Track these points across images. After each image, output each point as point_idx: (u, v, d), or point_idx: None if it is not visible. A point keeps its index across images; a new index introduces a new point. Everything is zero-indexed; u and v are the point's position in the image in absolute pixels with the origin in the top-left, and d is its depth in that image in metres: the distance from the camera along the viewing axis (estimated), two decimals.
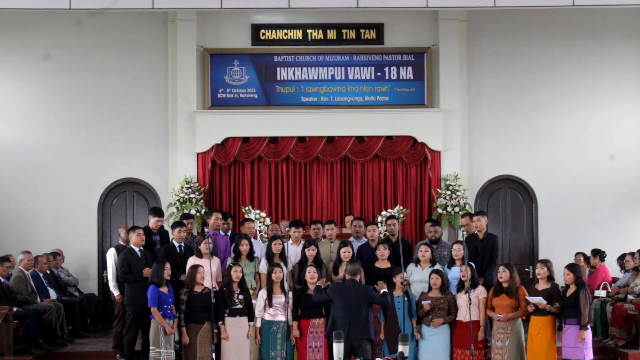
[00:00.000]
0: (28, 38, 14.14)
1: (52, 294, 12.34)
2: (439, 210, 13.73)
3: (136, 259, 10.47)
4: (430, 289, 10.00)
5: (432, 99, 14.17)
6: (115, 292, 10.87)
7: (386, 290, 9.68)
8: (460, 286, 9.96)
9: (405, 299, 9.81)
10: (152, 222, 11.16)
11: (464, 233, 10.50)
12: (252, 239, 10.87)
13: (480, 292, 9.90)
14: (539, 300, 9.45)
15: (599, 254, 12.79)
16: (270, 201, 14.16)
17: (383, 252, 10.44)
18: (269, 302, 9.86)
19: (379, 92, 14.24)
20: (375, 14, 14.06)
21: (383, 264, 10.43)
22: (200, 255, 10.30)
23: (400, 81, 14.23)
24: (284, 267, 10.11)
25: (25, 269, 11.93)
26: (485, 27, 14.39)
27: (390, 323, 9.86)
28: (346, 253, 10.26)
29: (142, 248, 10.58)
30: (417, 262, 10.44)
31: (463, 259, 10.06)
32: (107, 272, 11.25)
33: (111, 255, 10.92)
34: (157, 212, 11.38)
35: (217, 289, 9.96)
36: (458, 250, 10.25)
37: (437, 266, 10.35)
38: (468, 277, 9.75)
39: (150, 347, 9.68)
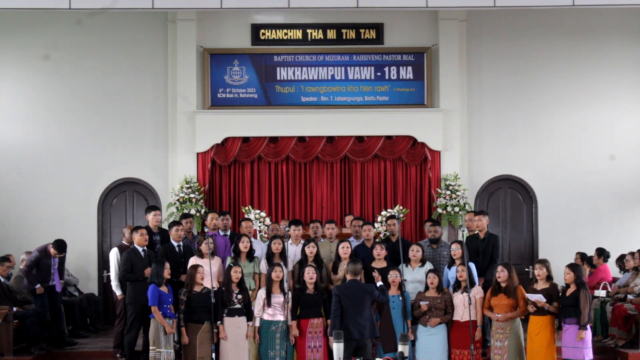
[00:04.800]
0: (28, 38, 14.14)
1: None
2: (439, 210, 13.73)
3: (139, 259, 10.47)
4: (427, 288, 10.00)
5: (432, 99, 14.17)
6: (117, 292, 10.87)
7: (382, 283, 9.67)
8: (457, 286, 9.96)
9: (400, 298, 9.81)
10: (151, 219, 11.16)
11: (464, 233, 10.50)
12: (252, 239, 10.87)
13: (476, 291, 9.90)
14: (539, 297, 9.44)
15: (603, 253, 12.79)
16: (270, 201, 14.16)
17: (380, 252, 10.43)
18: (268, 301, 9.86)
19: (379, 92, 14.24)
20: (375, 14, 14.07)
21: (380, 263, 10.43)
22: (201, 255, 10.30)
23: (400, 81, 14.23)
24: (283, 267, 10.12)
25: None
26: (485, 27, 14.40)
27: (384, 322, 9.87)
28: (344, 249, 10.27)
29: (145, 248, 10.58)
30: (408, 262, 10.45)
31: (461, 259, 10.07)
32: (109, 272, 11.26)
33: (114, 254, 10.91)
34: (152, 207, 11.39)
35: (217, 289, 9.96)
36: (456, 250, 10.26)
37: (429, 265, 10.36)
38: (466, 277, 9.75)
39: (150, 347, 9.70)
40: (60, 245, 11.57)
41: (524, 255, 14.34)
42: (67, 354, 11.43)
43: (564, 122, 14.36)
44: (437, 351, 9.76)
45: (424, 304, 9.82)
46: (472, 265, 10.27)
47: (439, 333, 9.82)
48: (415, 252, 10.42)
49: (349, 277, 9.34)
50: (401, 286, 9.89)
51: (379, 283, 9.64)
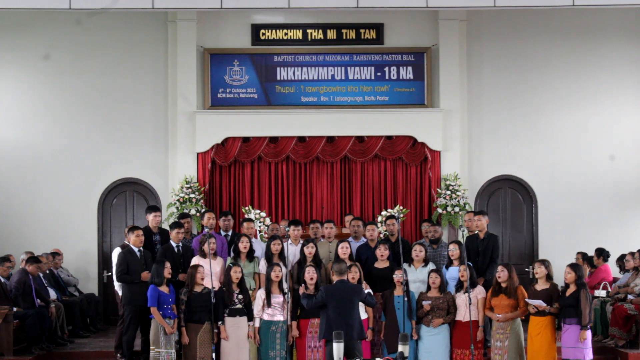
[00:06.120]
0: (28, 38, 14.14)
1: (52, 294, 12.34)
2: (439, 210, 13.73)
3: (135, 259, 10.46)
4: (429, 288, 10.00)
5: (432, 99, 14.17)
6: (120, 292, 10.84)
7: (370, 291, 9.64)
8: (459, 286, 9.95)
9: (405, 299, 9.80)
10: (151, 219, 11.15)
11: (464, 233, 10.49)
12: (253, 239, 10.87)
13: (478, 292, 9.90)
14: (539, 303, 9.45)
15: (602, 253, 12.80)
16: (270, 201, 14.16)
17: (383, 252, 10.42)
18: (268, 302, 9.86)
19: (379, 92, 14.24)
20: (375, 14, 14.07)
21: (382, 264, 10.43)
22: (204, 255, 10.28)
23: (400, 81, 14.23)
24: (283, 267, 10.11)
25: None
26: (485, 27, 14.39)
27: (389, 323, 9.86)
28: (344, 249, 10.25)
29: (141, 249, 10.57)
30: (411, 262, 10.44)
31: (460, 259, 10.07)
32: (111, 272, 11.23)
33: (116, 254, 10.89)
34: (153, 208, 11.38)
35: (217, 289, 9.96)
36: (454, 250, 10.26)
37: (431, 266, 10.35)
38: (467, 277, 9.75)
39: (151, 347, 9.69)
40: (35, 258, 11.68)
41: (524, 255, 14.33)
42: (67, 353, 11.43)
43: (564, 122, 14.36)
44: (439, 351, 9.77)
45: (426, 304, 9.82)
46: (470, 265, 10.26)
47: (441, 333, 9.82)
48: (418, 252, 10.42)
49: (335, 277, 9.16)
50: (403, 286, 9.87)
51: (368, 290, 9.60)
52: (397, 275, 9.90)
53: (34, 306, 11.32)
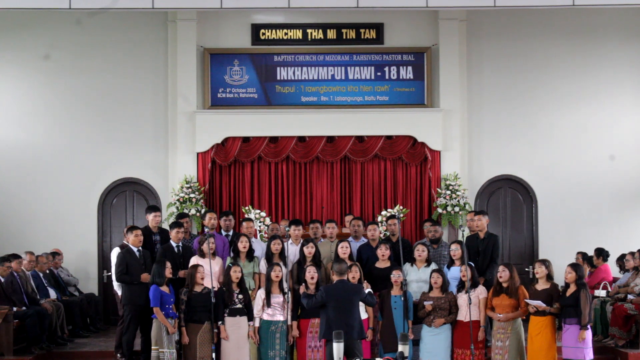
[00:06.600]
0: (28, 38, 14.14)
1: (52, 294, 12.34)
2: (439, 210, 13.73)
3: (134, 259, 10.45)
4: (431, 288, 10.00)
5: (432, 99, 14.17)
6: (119, 292, 10.84)
7: (371, 290, 9.64)
8: (461, 286, 9.95)
9: (402, 299, 9.80)
10: (151, 219, 11.14)
11: (464, 233, 10.50)
12: (253, 239, 10.87)
13: (480, 292, 9.90)
14: (538, 303, 9.46)
15: (602, 253, 12.81)
16: (270, 201, 14.16)
17: (384, 252, 10.41)
18: (268, 302, 9.86)
19: (379, 92, 14.25)
20: (375, 13, 14.07)
21: (383, 263, 10.42)
22: (202, 255, 10.28)
23: (400, 81, 14.23)
24: (283, 267, 10.11)
25: (26, 269, 11.94)
26: (485, 27, 14.40)
27: (386, 322, 9.86)
28: (343, 249, 10.25)
29: (140, 248, 10.56)
30: (413, 261, 10.44)
31: (461, 259, 10.07)
32: (110, 272, 11.24)
33: (115, 254, 10.89)
34: (153, 208, 11.37)
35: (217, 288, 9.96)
36: (455, 250, 10.26)
37: (434, 266, 10.35)
38: (468, 277, 9.76)
39: (153, 347, 9.67)
40: (15, 255, 11.67)
41: (524, 255, 14.34)
42: (67, 353, 11.42)
43: (564, 122, 14.36)
44: (440, 351, 9.76)
45: (428, 304, 9.82)
46: (471, 265, 10.26)
47: (443, 333, 9.82)
48: (420, 252, 10.42)
49: (335, 277, 9.16)
50: (402, 286, 9.88)
51: (368, 290, 9.60)
52: (395, 276, 9.90)
53: (25, 304, 11.30)
